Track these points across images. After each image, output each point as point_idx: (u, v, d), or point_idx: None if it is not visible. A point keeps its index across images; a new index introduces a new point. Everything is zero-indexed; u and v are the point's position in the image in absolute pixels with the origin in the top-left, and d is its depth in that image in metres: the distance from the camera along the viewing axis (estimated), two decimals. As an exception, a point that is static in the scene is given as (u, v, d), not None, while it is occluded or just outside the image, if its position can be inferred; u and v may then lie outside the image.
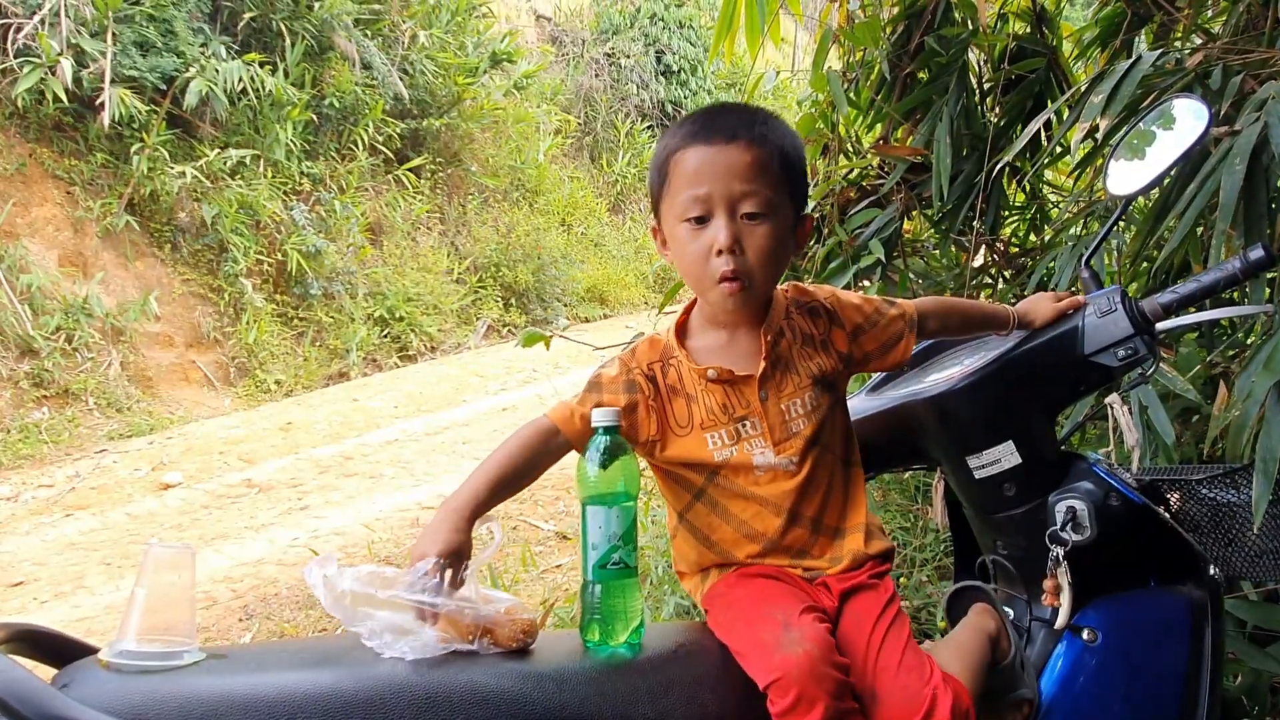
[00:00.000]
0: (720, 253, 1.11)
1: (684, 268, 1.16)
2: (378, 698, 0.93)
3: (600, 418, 1.11)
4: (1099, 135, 1.84)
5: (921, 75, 2.47)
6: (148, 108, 6.55)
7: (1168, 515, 1.31)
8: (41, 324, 5.93)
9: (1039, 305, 1.30)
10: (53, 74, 6.08)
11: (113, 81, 6.33)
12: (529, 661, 1.04)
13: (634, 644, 1.10)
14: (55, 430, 5.67)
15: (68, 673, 0.93)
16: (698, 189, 1.11)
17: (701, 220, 1.12)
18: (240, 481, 5.03)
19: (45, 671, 0.94)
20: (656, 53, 11.96)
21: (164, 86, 6.72)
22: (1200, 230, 1.62)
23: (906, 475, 3.02)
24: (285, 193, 7.46)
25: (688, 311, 1.25)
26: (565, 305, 9.57)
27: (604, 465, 1.10)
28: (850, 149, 2.64)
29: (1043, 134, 2.21)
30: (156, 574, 0.96)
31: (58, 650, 0.97)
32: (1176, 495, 1.37)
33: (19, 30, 6.07)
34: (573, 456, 1.19)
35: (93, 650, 0.97)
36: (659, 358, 1.20)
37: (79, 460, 5.39)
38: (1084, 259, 1.36)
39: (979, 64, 2.50)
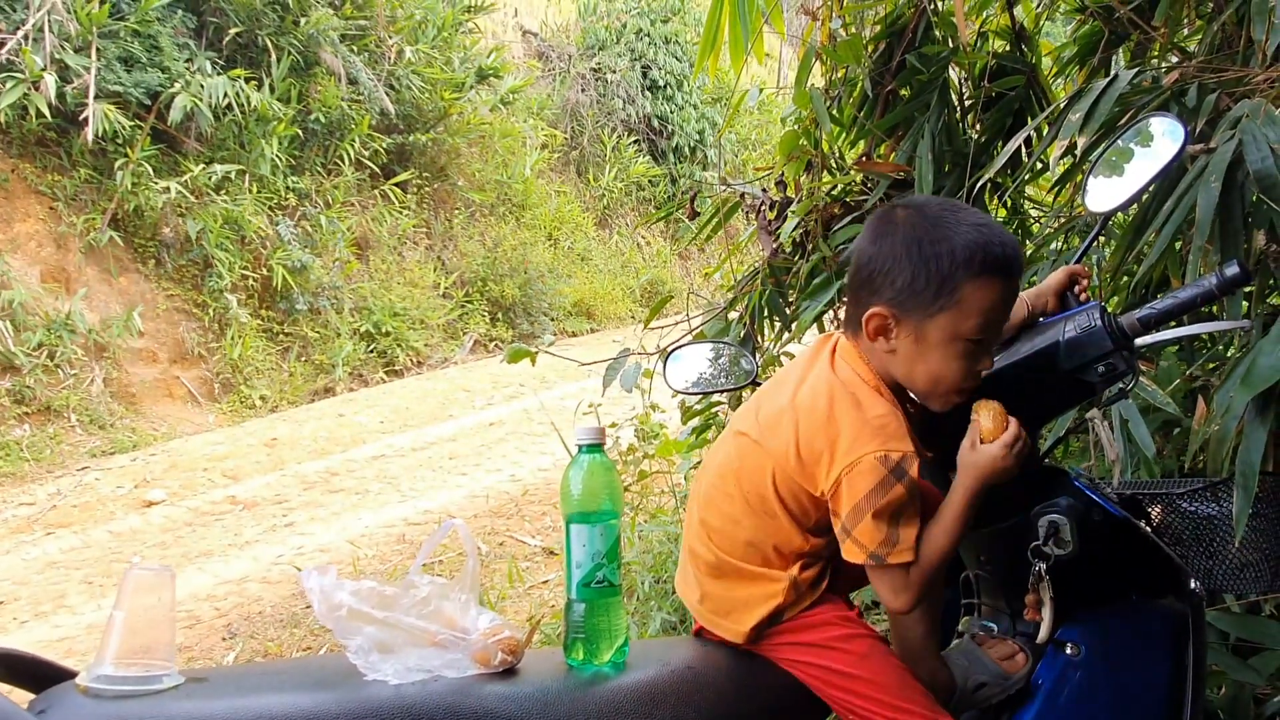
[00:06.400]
0: (980, 375, 1.16)
1: (934, 373, 1.15)
2: (360, 720, 0.93)
3: (583, 435, 1.11)
4: (1078, 152, 1.86)
5: (903, 92, 2.48)
6: (132, 123, 6.52)
7: (1149, 529, 1.32)
8: (23, 340, 5.88)
9: (1050, 279, 1.31)
10: (36, 89, 6.06)
11: (96, 97, 6.31)
12: (513, 682, 1.03)
13: (618, 662, 1.10)
14: (37, 447, 5.62)
15: (45, 698, 0.92)
16: (994, 318, 1.14)
17: (982, 343, 1.15)
18: (224, 498, 4.99)
19: (22, 696, 0.93)
20: (643, 68, 12.01)
21: (148, 102, 6.70)
22: (1179, 245, 1.64)
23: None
24: (270, 208, 7.44)
25: (867, 385, 1.18)
26: (552, 320, 9.56)
27: (587, 482, 1.10)
28: (834, 165, 2.65)
29: (1023, 151, 2.22)
30: (135, 596, 0.95)
31: (35, 674, 0.96)
32: (1158, 509, 1.38)
33: (2, 46, 6.05)
34: (556, 472, 1.19)
35: (70, 674, 0.96)
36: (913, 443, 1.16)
37: (61, 478, 5.33)
38: (1064, 274, 1.37)
39: (960, 81, 2.52)
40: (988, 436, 1.13)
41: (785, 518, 1.17)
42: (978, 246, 1.12)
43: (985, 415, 1.14)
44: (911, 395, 1.21)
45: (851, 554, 1.13)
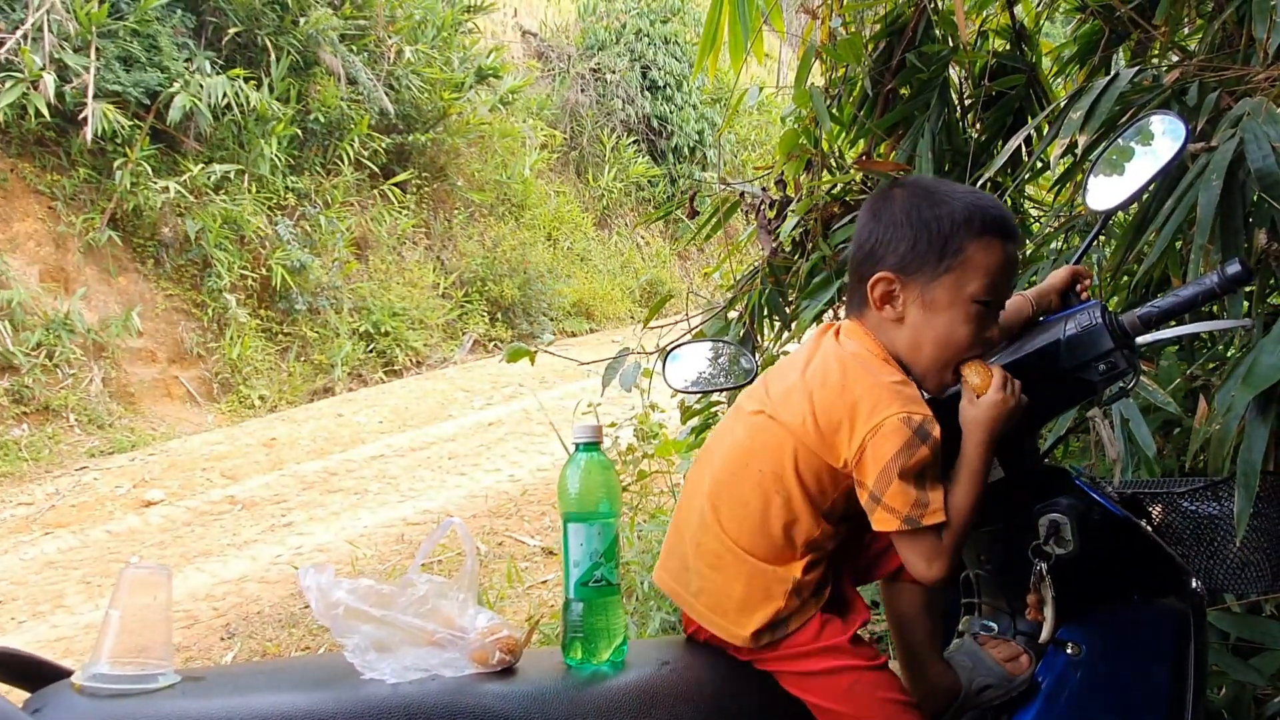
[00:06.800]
0: (987, 343, 1.17)
1: (942, 338, 1.15)
2: (357, 720, 0.92)
3: (581, 434, 1.11)
4: (1078, 151, 1.86)
5: (903, 91, 2.48)
6: (131, 123, 6.52)
7: (1150, 528, 1.31)
8: (22, 340, 5.88)
9: (1053, 277, 1.31)
10: (35, 89, 6.06)
11: (96, 97, 6.31)
12: (511, 681, 1.03)
13: (617, 662, 1.10)
14: (35, 447, 5.61)
15: (41, 697, 0.91)
16: (1000, 280, 1.16)
17: (989, 306, 1.16)
18: (223, 498, 4.99)
19: (18, 695, 0.93)
20: (642, 68, 12.01)
21: (148, 102, 6.70)
22: (1180, 244, 1.63)
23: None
24: (270, 208, 7.44)
25: (876, 356, 1.18)
26: (551, 320, 9.56)
27: (584, 481, 1.10)
28: (833, 164, 2.65)
29: (1023, 150, 2.22)
30: (131, 595, 0.95)
31: (31, 673, 0.96)
32: (1159, 508, 1.38)
33: (1, 45, 6.04)
34: (555, 472, 1.18)
35: (66, 673, 0.96)
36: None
37: (59, 477, 5.33)
38: (1064, 273, 1.37)
39: (960, 81, 2.52)
40: (980, 389, 1.15)
41: (800, 497, 1.14)
42: (976, 209, 1.15)
43: (971, 372, 1.17)
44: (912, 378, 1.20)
45: (883, 522, 1.10)
